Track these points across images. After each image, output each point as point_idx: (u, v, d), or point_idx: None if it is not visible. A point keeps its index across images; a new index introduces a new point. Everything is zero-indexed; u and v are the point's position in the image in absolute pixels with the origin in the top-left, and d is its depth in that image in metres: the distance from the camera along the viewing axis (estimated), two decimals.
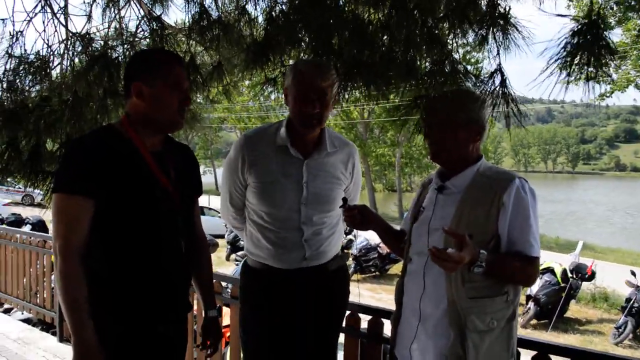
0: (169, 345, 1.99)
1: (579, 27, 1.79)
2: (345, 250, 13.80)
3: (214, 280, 2.85)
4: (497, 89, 2.20)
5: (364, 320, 2.75)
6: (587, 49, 1.76)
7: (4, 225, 12.29)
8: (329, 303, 2.35)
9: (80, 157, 1.74)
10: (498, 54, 2.26)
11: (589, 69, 1.83)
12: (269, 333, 2.29)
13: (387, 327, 2.34)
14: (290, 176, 2.20)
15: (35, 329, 5.57)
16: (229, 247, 15.39)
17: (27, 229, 13.30)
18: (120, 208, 1.78)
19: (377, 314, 2.70)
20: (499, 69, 2.22)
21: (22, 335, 5.25)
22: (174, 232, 1.92)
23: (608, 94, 17.17)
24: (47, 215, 13.09)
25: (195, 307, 3.52)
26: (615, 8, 14.47)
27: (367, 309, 2.77)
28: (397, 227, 2.28)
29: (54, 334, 5.29)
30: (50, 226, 13.55)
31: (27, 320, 6.07)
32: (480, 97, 1.97)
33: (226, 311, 3.91)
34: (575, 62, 1.79)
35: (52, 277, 5.50)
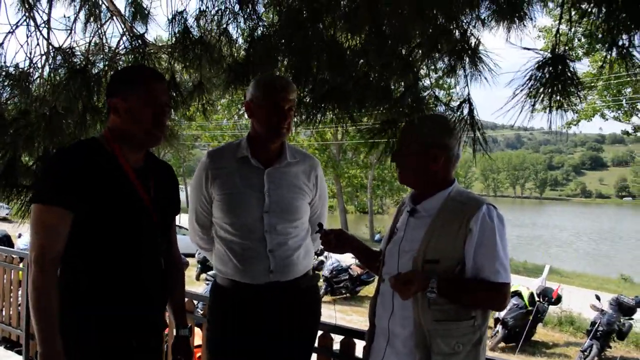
0: None
1: (545, 60, 1.88)
2: (316, 272, 13.69)
3: (186, 299, 2.83)
4: (465, 117, 2.27)
5: (336, 341, 2.77)
6: (552, 80, 1.85)
7: None
8: (299, 322, 2.34)
9: (60, 169, 1.75)
10: (467, 85, 2.34)
11: (555, 99, 1.91)
12: (238, 353, 2.27)
13: (360, 348, 2.36)
14: (252, 186, 2.26)
15: None
16: (199, 266, 15.17)
17: None
18: (101, 221, 1.78)
19: (350, 334, 2.72)
20: (468, 99, 2.28)
21: None
22: (153, 248, 1.93)
23: (575, 123, 17.75)
24: (14, 230, 12.77)
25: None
26: (583, 40, 15.01)
27: (339, 329, 2.78)
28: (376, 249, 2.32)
29: (19, 352, 5.13)
30: (16, 241, 13.21)
31: None
32: (446, 124, 2.01)
33: (198, 331, 3.88)
34: (542, 92, 1.87)
35: (19, 293, 5.36)
